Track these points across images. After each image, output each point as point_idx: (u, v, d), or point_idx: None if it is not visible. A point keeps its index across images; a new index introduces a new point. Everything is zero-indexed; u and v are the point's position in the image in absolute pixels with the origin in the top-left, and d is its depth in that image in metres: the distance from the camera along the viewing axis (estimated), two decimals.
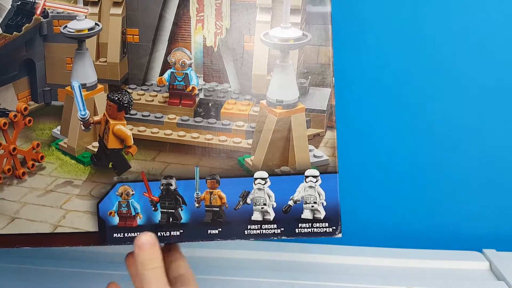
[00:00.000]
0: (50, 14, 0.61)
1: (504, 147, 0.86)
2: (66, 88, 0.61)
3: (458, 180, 0.87)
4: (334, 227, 0.61)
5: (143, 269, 0.56)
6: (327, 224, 0.61)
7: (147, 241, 0.57)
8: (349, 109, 0.83)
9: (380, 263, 0.80)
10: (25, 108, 0.61)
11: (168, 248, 0.61)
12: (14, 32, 0.61)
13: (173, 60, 0.61)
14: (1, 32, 0.61)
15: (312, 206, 0.60)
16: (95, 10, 0.62)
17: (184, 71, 0.62)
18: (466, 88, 0.85)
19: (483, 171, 0.87)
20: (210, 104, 0.62)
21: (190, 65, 0.62)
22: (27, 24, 0.61)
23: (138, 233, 0.60)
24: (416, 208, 0.89)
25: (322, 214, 0.60)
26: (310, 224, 0.61)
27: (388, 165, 0.88)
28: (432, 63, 0.84)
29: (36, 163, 0.62)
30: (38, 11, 0.61)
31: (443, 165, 0.87)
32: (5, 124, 0.61)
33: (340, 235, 0.61)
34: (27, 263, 0.77)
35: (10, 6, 0.60)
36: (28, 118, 0.61)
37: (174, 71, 0.62)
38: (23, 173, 0.62)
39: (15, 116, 0.61)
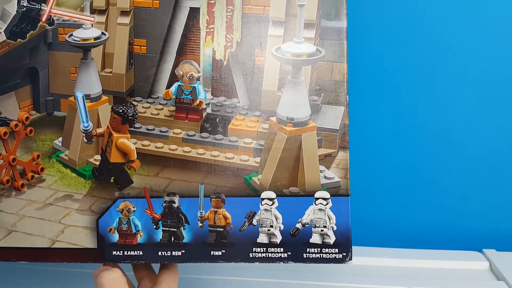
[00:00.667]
0: (55, 22, 0.60)
1: (504, 147, 0.85)
2: (69, 98, 0.60)
3: (458, 180, 0.86)
4: (344, 254, 0.58)
5: (104, 280, 0.55)
6: (337, 250, 0.58)
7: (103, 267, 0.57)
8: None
9: (380, 263, 0.79)
10: (27, 118, 0.59)
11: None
12: (18, 39, 0.59)
13: (181, 72, 0.59)
14: (5, 38, 0.59)
15: (322, 230, 0.57)
16: (102, 18, 0.60)
17: (192, 85, 0.59)
18: (465, 90, 0.83)
19: (483, 171, 0.86)
20: (217, 120, 0.60)
21: (198, 79, 0.59)
22: (31, 31, 0.59)
23: (138, 251, 0.58)
24: (416, 208, 0.87)
25: (332, 239, 0.58)
26: (319, 249, 0.58)
27: (388, 166, 0.87)
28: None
29: (36, 175, 0.60)
30: (44, 18, 0.59)
31: (443, 165, 0.86)
32: (5, 133, 0.59)
33: (350, 262, 0.58)
34: (27, 263, 0.75)
35: (15, 12, 0.59)
36: (29, 128, 0.59)
37: (181, 84, 0.59)
38: (22, 185, 0.60)
39: (16, 125, 0.59)
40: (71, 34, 0.59)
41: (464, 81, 0.83)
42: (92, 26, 0.59)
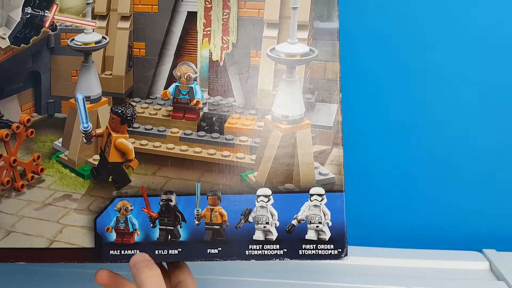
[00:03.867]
0: (58, 27, 0.62)
1: (504, 147, 0.85)
2: (70, 100, 0.61)
3: (458, 180, 0.86)
4: (340, 250, 0.57)
5: (144, 277, 0.54)
6: (332, 246, 0.58)
7: (142, 255, 0.57)
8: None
9: (380, 263, 0.79)
10: (28, 120, 0.61)
11: None
12: (22, 44, 0.61)
13: (179, 74, 0.61)
14: (9, 44, 0.61)
15: (317, 226, 0.58)
16: (103, 23, 0.62)
17: (189, 85, 0.61)
18: (464, 89, 0.84)
19: (483, 171, 0.85)
20: (214, 119, 0.61)
21: (195, 79, 0.61)
22: (35, 37, 0.61)
23: (135, 250, 0.58)
24: (416, 208, 0.87)
25: (327, 235, 0.58)
26: (314, 245, 0.58)
27: (388, 165, 0.87)
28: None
29: (36, 176, 0.61)
30: (47, 24, 0.61)
31: (443, 165, 0.86)
32: (7, 135, 0.60)
33: (346, 258, 0.58)
34: (26, 264, 0.75)
35: (20, 19, 0.61)
36: (30, 130, 0.61)
37: (179, 84, 0.61)
38: (22, 186, 0.60)
39: (17, 127, 0.60)
40: (73, 39, 0.61)
41: (462, 77, 0.83)
42: (93, 31, 0.62)
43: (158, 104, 0.62)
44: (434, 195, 0.87)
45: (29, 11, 0.61)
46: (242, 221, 0.58)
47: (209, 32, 0.61)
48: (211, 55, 0.61)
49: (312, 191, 0.58)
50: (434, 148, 0.85)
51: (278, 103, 0.59)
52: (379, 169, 0.87)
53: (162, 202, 0.59)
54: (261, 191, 0.58)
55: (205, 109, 0.61)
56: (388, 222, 0.88)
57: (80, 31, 0.61)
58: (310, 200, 0.58)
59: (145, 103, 0.63)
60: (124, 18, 0.62)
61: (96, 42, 0.62)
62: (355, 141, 0.78)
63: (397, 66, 0.82)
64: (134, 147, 0.59)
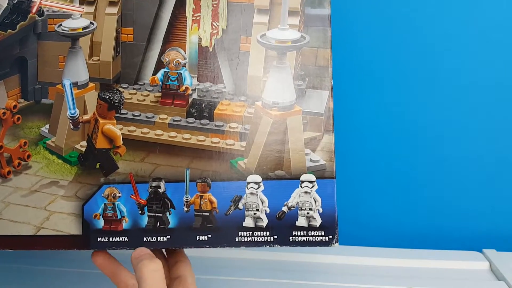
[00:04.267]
0: (45, 13, 0.61)
1: (504, 147, 0.85)
2: (57, 86, 0.60)
3: (458, 180, 0.86)
4: (331, 236, 0.57)
5: (145, 271, 0.53)
6: (323, 233, 0.57)
7: (144, 250, 0.56)
8: (347, 112, 0.81)
9: (380, 263, 0.79)
10: (15, 106, 0.60)
11: (172, 250, 0.60)
12: (9, 30, 0.60)
13: (167, 59, 0.60)
14: None
15: (308, 213, 0.57)
16: (91, 9, 0.61)
17: (178, 71, 0.60)
18: (464, 88, 0.83)
19: (483, 171, 0.85)
20: (203, 105, 0.60)
21: (184, 65, 0.60)
22: (22, 23, 0.60)
23: (123, 237, 0.58)
24: (416, 208, 0.87)
25: (318, 222, 0.57)
26: (305, 232, 0.57)
27: (387, 165, 0.86)
28: (431, 66, 0.83)
29: (23, 162, 0.60)
30: (34, 10, 0.60)
31: (442, 165, 0.86)
32: None
33: (336, 245, 0.57)
34: (27, 263, 0.75)
35: (7, 5, 0.60)
36: (17, 116, 0.60)
37: (167, 70, 0.60)
38: (9, 172, 0.59)
39: (4, 113, 0.59)
40: (60, 24, 0.60)
41: (463, 70, 0.83)
42: (81, 17, 0.61)
43: (146, 90, 0.62)
44: (434, 195, 0.87)
45: None
46: (232, 208, 0.57)
47: (198, 18, 0.60)
48: (200, 41, 0.61)
49: (303, 177, 0.57)
50: (433, 147, 0.85)
51: (268, 89, 0.58)
52: (378, 168, 0.86)
53: (150, 189, 0.58)
54: (251, 177, 0.58)
55: (194, 95, 0.61)
56: (388, 222, 0.87)
57: (67, 16, 0.60)
58: (301, 186, 0.57)
59: (133, 89, 0.62)
60: (112, 3, 0.61)
61: (84, 28, 0.61)
62: (356, 143, 0.78)
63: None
64: (122, 134, 0.59)
